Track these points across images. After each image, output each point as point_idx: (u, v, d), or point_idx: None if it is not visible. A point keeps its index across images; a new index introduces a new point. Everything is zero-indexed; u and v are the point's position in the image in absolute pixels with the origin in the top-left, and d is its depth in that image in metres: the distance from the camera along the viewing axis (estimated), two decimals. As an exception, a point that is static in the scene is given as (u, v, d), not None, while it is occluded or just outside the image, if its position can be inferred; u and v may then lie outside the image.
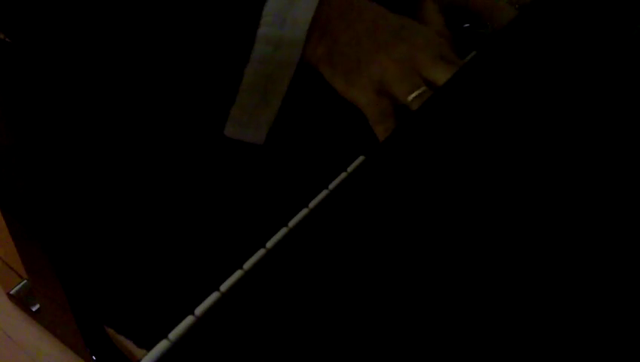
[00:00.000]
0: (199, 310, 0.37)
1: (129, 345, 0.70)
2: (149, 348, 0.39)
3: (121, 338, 0.70)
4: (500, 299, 0.37)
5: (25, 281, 1.25)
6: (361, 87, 0.51)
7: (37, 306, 1.21)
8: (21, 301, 1.25)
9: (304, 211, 0.41)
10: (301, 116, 0.57)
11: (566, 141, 0.45)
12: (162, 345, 0.36)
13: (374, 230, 0.40)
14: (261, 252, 0.39)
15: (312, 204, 0.41)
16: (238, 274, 0.38)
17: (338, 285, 0.37)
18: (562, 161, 0.44)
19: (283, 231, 0.41)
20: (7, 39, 0.62)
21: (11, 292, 1.26)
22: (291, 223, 0.41)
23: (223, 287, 0.38)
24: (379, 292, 0.37)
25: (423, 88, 0.49)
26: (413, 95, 0.49)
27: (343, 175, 0.44)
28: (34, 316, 1.22)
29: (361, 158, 0.44)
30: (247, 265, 0.39)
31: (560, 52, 0.52)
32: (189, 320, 0.38)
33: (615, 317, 0.36)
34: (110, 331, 0.72)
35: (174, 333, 0.36)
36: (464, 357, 0.35)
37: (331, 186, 0.44)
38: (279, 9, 0.49)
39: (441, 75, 0.49)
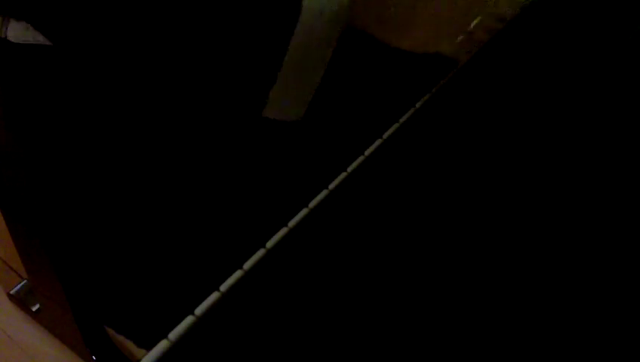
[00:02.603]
0: (199, 310, 0.37)
1: (129, 345, 0.70)
2: (149, 348, 0.39)
3: (121, 339, 0.70)
4: (499, 297, 0.37)
5: (25, 281, 1.25)
6: (414, 38, 0.51)
7: (37, 306, 1.21)
8: (21, 301, 1.24)
9: (304, 211, 0.41)
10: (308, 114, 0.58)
11: (566, 140, 0.45)
12: (162, 345, 0.36)
13: (374, 230, 0.40)
14: (261, 252, 0.39)
15: (312, 204, 0.42)
16: (238, 274, 0.38)
17: (338, 284, 0.37)
18: (562, 161, 0.44)
19: (283, 231, 0.41)
20: (8, 38, 0.62)
21: (11, 292, 1.26)
22: (291, 223, 0.41)
23: (223, 287, 0.38)
24: (378, 292, 0.37)
25: (480, 17, 0.50)
26: (474, 23, 0.50)
27: (343, 175, 0.44)
28: (34, 316, 1.22)
29: (360, 158, 0.44)
30: (247, 265, 0.39)
31: (560, 52, 0.52)
32: (189, 320, 0.38)
33: (615, 317, 0.36)
34: (110, 331, 0.72)
35: (174, 333, 0.36)
36: (464, 356, 0.35)
37: (331, 186, 0.44)
38: None
39: (502, 4, 0.50)
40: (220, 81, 0.55)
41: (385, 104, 0.55)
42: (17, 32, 0.61)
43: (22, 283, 1.25)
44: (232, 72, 0.53)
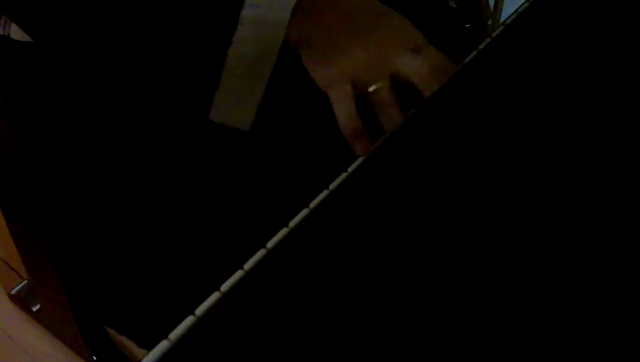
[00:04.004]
0: (199, 310, 0.37)
1: (130, 345, 0.70)
2: (149, 348, 0.39)
3: (122, 339, 0.70)
4: (500, 299, 0.37)
5: (25, 281, 1.25)
6: (331, 72, 0.51)
7: (37, 306, 1.21)
8: (22, 301, 1.25)
9: (305, 211, 0.41)
10: (301, 111, 0.57)
11: (566, 142, 0.45)
12: (163, 346, 0.36)
13: (374, 230, 0.40)
14: (262, 252, 0.39)
15: (312, 204, 0.41)
16: (238, 274, 0.38)
17: (338, 285, 0.37)
18: (562, 162, 0.44)
19: (283, 231, 0.41)
20: (11, 36, 0.62)
21: (12, 292, 1.26)
22: (292, 223, 0.41)
23: (224, 287, 0.38)
24: (379, 293, 0.37)
25: (383, 83, 0.50)
26: (372, 87, 0.50)
27: (343, 175, 0.44)
28: (34, 316, 1.22)
29: (361, 158, 0.44)
30: (247, 266, 0.39)
31: (560, 52, 0.52)
32: (189, 320, 0.38)
33: (615, 317, 0.36)
34: (111, 331, 0.72)
35: (175, 333, 0.36)
36: (464, 357, 0.35)
37: (331, 186, 0.44)
38: None
39: (408, 69, 0.50)
40: (167, 81, 0.55)
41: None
42: (20, 29, 0.61)
43: (22, 284, 1.26)
44: (178, 73, 0.54)
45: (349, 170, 0.44)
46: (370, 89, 0.50)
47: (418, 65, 0.50)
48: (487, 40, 0.52)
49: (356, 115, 0.51)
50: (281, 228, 0.41)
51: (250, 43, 0.50)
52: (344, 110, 0.51)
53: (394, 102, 0.50)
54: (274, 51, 0.51)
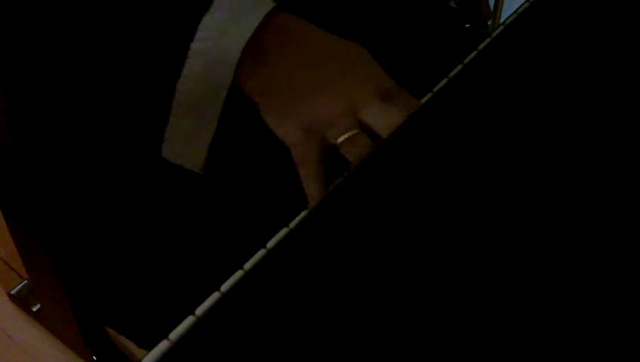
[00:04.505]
0: (199, 310, 0.37)
1: (130, 345, 0.70)
2: (149, 348, 0.39)
3: (122, 339, 0.70)
4: (500, 300, 0.37)
5: (25, 281, 1.25)
6: (290, 125, 0.46)
7: (38, 306, 1.21)
8: (22, 301, 1.25)
9: (305, 211, 0.42)
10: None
11: (566, 142, 0.45)
12: (163, 346, 0.36)
13: (375, 230, 0.40)
14: (262, 252, 0.39)
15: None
16: (238, 274, 0.38)
17: (338, 285, 0.37)
18: (562, 162, 0.44)
19: (284, 231, 0.41)
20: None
21: (12, 292, 1.26)
22: (292, 223, 0.41)
23: (224, 287, 0.38)
24: (379, 293, 0.37)
25: (354, 131, 0.45)
26: (343, 137, 0.44)
27: (344, 175, 0.44)
28: (34, 316, 1.22)
29: (361, 158, 0.45)
30: (247, 266, 0.39)
31: (560, 53, 0.52)
32: (189, 320, 0.38)
33: (615, 317, 0.36)
34: (111, 331, 0.72)
35: (175, 334, 0.36)
36: (464, 357, 0.35)
37: (332, 186, 0.44)
38: (217, 24, 0.45)
39: (375, 121, 0.45)
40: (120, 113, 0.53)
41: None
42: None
43: (22, 284, 1.26)
44: (130, 107, 0.52)
45: (349, 169, 0.44)
46: (339, 140, 0.45)
47: (386, 117, 0.44)
48: (487, 40, 0.52)
49: (322, 179, 0.46)
50: (281, 228, 0.41)
51: (199, 79, 0.46)
52: (309, 174, 0.46)
53: (369, 147, 0.45)
54: (222, 90, 0.46)
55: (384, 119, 0.44)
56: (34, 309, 1.23)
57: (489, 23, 1.26)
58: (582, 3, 0.55)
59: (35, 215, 0.70)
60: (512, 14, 0.55)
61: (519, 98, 0.48)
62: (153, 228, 0.58)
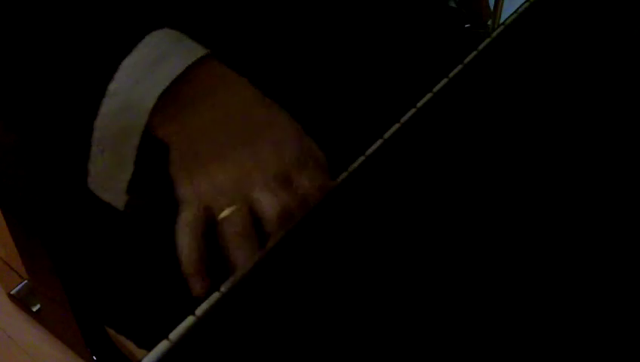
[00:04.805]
0: (199, 310, 0.37)
1: (130, 345, 0.70)
2: (149, 348, 0.39)
3: (122, 339, 0.70)
4: (500, 299, 0.37)
5: (26, 281, 1.25)
6: (186, 190, 0.44)
7: (38, 306, 1.21)
8: (22, 301, 1.25)
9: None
10: (301, 106, 0.56)
11: (566, 142, 0.45)
12: (163, 346, 0.36)
13: (375, 230, 0.40)
14: (261, 253, 0.39)
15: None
16: (238, 274, 0.38)
17: (338, 285, 0.37)
18: (562, 162, 0.44)
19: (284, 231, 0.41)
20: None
21: (12, 292, 1.26)
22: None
23: (224, 288, 0.38)
24: (379, 293, 0.37)
25: (234, 208, 0.42)
26: (223, 213, 0.42)
27: (344, 175, 0.44)
28: (35, 316, 1.22)
29: (361, 158, 0.44)
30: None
31: (560, 53, 0.52)
32: (189, 320, 0.38)
33: (615, 317, 0.36)
34: (111, 331, 0.72)
35: (175, 334, 0.36)
36: (464, 357, 0.35)
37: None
38: (138, 67, 0.44)
39: (263, 205, 0.41)
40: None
41: (386, 104, 0.55)
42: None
43: (22, 284, 1.26)
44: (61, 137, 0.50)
45: (349, 170, 0.44)
46: (220, 216, 0.42)
47: (274, 205, 0.41)
48: (487, 40, 0.52)
49: (197, 249, 0.43)
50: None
51: (115, 118, 0.44)
52: (185, 242, 0.43)
53: (246, 233, 0.41)
54: (137, 134, 0.44)
55: (272, 206, 0.41)
56: (34, 309, 1.23)
57: (489, 22, 1.26)
58: (582, 3, 0.55)
59: (35, 215, 0.70)
60: (512, 14, 0.55)
61: (519, 98, 0.48)
62: (153, 228, 0.58)
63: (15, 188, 0.70)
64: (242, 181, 0.42)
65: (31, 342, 1.19)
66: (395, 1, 0.55)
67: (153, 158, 0.46)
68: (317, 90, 0.53)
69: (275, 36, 0.57)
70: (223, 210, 0.42)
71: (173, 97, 0.44)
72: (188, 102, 0.44)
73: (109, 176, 0.47)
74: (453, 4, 0.92)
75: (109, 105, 0.44)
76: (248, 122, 0.44)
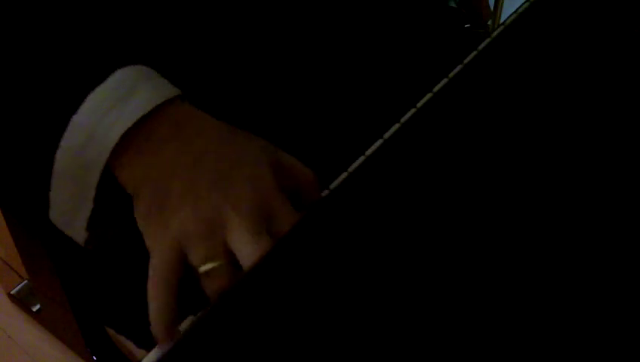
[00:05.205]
0: (199, 310, 0.37)
1: (130, 345, 0.70)
2: (149, 348, 0.39)
3: (122, 339, 0.70)
4: (499, 301, 0.37)
5: (25, 281, 1.26)
6: (156, 235, 0.41)
7: (37, 306, 1.21)
8: (22, 301, 1.25)
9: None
10: (301, 112, 0.56)
11: (566, 143, 0.45)
12: (163, 346, 0.36)
13: (375, 230, 0.40)
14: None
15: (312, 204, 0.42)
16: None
17: (338, 285, 0.37)
18: (562, 163, 0.44)
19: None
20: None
21: (12, 292, 1.26)
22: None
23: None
24: (379, 293, 0.37)
25: (218, 262, 0.39)
26: (204, 268, 0.39)
27: (344, 175, 0.44)
28: (35, 316, 1.22)
29: (361, 158, 0.44)
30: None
31: (561, 53, 0.52)
32: (189, 320, 0.38)
33: (615, 317, 0.36)
34: (110, 331, 0.72)
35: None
36: (464, 357, 0.35)
37: (332, 186, 0.44)
38: (106, 100, 0.42)
39: (240, 250, 0.39)
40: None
41: (386, 104, 0.55)
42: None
43: (22, 284, 1.26)
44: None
45: (349, 169, 0.44)
46: (201, 269, 0.39)
47: (250, 248, 0.39)
48: (487, 40, 0.52)
49: (167, 307, 0.39)
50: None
51: (74, 154, 0.42)
52: (156, 298, 0.40)
53: (227, 285, 0.39)
54: (97, 172, 0.42)
55: (248, 250, 0.38)
56: (34, 309, 1.23)
57: (489, 22, 1.26)
58: (582, 3, 0.55)
59: (34, 215, 0.70)
60: (512, 14, 0.55)
61: (519, 98, 0.48)
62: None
63: (15, 188, 0.70)
64: (216, 222, 0.39)
65: (31, 342, 1.20)
66: (395, 1, 0.55)
67: (117, 195, 0.43)
68: (317, 90, 0.53)
69: (275, 36, 0.57)
70: (198, 255, 0.39)
71: (139, 137, 0.41)
72: (152, 145, 0.42)
73: (69, 211, 0.44)
74: (453, 4, 0.92)
75: (71, 138, 0.42)
76: (219, 161, 0.41)
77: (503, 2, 1.27)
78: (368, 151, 0.45)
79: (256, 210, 0.40)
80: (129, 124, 0.41)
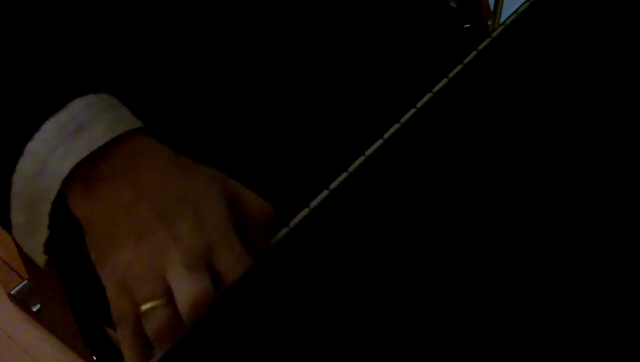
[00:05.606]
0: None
1: (129, 345, 0.70)
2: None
3: (122, 339, 0.70)
4: (499, 300, 0.37)
5: (26, 281, 1.26)
6: (105, 276, 0.41)
7: (38, 306, 1.21)
8: (22, 301, 1.25)
9: (305, 211, 0.41)
10: (299, 114, 0.56)
11: (566, 142, 0.45)
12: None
13: (375, 230, 0.40)
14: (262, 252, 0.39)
15: (312, 204, 0.41)
16: (238, 274, 0.38)
17: (339, 285, 0.37)
18: (562, 163, 0.44)
19: (284, 231, 0.41)
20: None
21: (12, 292, 1.26)
22: (292, 223, 0.41)
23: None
24: (379, 293, 0.37)
25: (157, 302, 0.38)
26: (144, 307, 0.38)
27: (344, 175, 0.44)
28: (35, 316, 1.22)
29: (361, 158, 0.44)
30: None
31: (560, 53, 0.52)
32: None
33: (615, 317, 0.36)
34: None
35: (175, 333, 0.36)
36: (464, 357, 0.35)
37: (332, 186, 0.44)
38: (61, 130, 0.41)
39: (176, 291, 0.37)
40: None
41: (386, 104, 0.55)
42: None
43: (22, 284, 1.26)
44: None
45: (349, 169, 0.44)
46: (142, 309, 0.38)
47: (186, 289, 0.37)
48: (487, 40, 0.52)
49: (135, 348, 0.39)
50: (282, 227, 0.41)
51: (29, 180, 0.41)
52: (123, 336, 0.40)
53: (166, 328, 0.37)
54: (48, 202, 0.41)
55: (183, 287, 0.37)
56: (34, 309, 1.23)
57: (489, 22, 1.26)
58: (582, 3, 0.55)
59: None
60: (512, 14, 0.55)
61: (519, 98, 0.48)
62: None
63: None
64: (157, 259, 0.38)
65: (31, 342, 1.20)
66: (394, 1, 0.55)
67: (74, 221, 0.43)
68: (317, 90, 0.53)
69: (274, 36, 0.57)
70: (139, 295, 0.38)
71: (89, 171, 0.41)
72: (103, 179, 0.41)
73: (26, 234, 0.44)
74: (453, 4, 0.92)
75: (24, 165, 0.41)
76: (165, 197, 0.40)
77: (502, 2, 1.27)
78: (368, 151, 0.45)
79: (198, 245, 0.38)
80: (80, 158, 0.40)
